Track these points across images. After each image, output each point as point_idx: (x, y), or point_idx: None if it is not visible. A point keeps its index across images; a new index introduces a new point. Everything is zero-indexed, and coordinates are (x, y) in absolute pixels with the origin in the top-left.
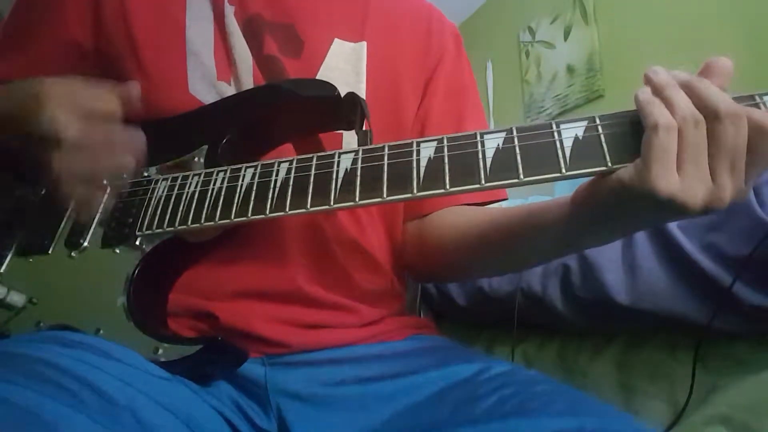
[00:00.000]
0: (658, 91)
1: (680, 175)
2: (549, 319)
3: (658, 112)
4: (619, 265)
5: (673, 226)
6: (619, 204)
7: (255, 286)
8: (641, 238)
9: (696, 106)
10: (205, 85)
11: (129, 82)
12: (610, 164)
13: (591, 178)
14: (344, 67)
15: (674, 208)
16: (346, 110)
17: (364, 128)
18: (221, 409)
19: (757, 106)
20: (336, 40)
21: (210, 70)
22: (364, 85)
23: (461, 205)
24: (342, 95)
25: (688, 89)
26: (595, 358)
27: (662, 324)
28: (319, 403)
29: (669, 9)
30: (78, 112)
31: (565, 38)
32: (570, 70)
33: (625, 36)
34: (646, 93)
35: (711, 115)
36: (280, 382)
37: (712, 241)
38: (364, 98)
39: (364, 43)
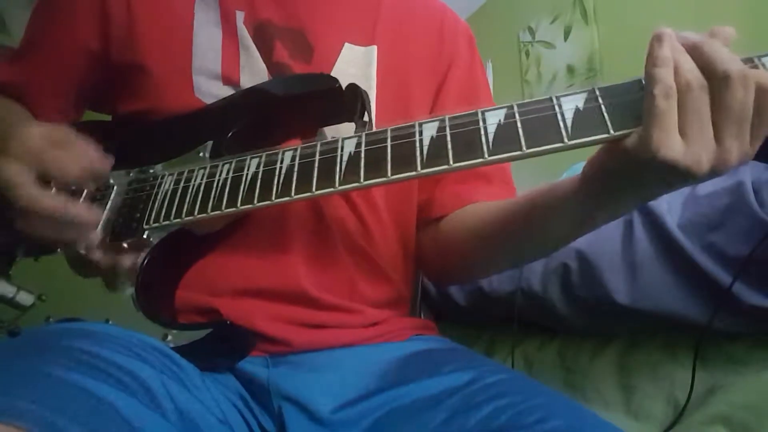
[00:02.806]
0: (670, 54)
1: (683, 139)
2: (549, 319)
3: (659, 77)
4: (619, 265)
5: (673, 226)
6: (626, 172)
7: (259, 284)
8: (641, 238)
9: (703, 69)
10: (211, 89)
11: (104, 160)
12: (612, 131)
13: (599, 149)
14: (354, 71)
15: (679, 173)
16: (348, 102)
17: (365, 119)
18: (234, 401)
19: (756, 67)
20: (346, 44)
21: (216, 75)
22: (374, 91)
23: (473, 203)
24: (343, 87)
25: (696, 51)
26: (595, 358)
27: (662, 324)
28: (319, 422)
29: (669, 9)
30: (37, 175)
31: (565, 38)
32: (570, 70)
33: (625, 36)
34: (657, 53)
35: (719, 78)
36: (282, 385)
37: (712, 241)
38: (374, 102)
39: (375, 47)
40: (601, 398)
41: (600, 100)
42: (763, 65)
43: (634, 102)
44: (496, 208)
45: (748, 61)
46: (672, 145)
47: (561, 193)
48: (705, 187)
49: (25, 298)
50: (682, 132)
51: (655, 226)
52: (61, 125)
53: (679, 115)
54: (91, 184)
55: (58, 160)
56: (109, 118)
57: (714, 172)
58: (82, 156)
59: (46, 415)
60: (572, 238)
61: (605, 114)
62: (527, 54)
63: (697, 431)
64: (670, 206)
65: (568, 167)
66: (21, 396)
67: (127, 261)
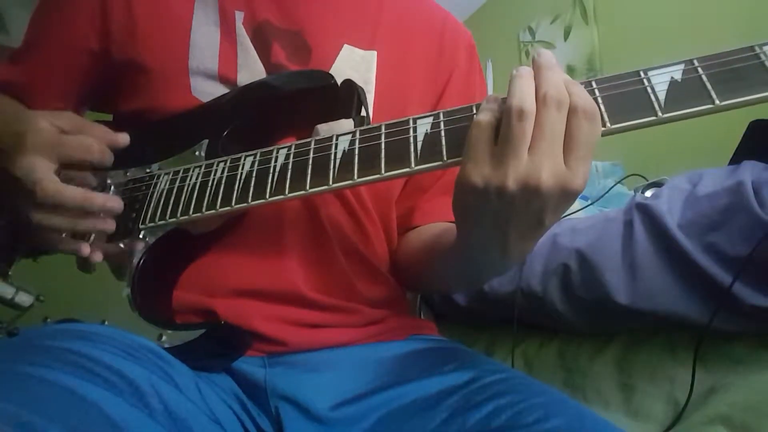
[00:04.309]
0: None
1: (493, 161)
2: (549, 319)
3: (481, 108)
4: (619, 265)
5: (673, 226)
6: (466, 202)
7: (255, 285)
8: (641, 238)
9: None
10: (208, 89)
11: (119, 134)
12: (609, 125)
13: None
14: (352, 73)
15: (492, 194)
16: (344, 98)
17: (362, 114)
18: (229, 402)
19: (593, 91)
20: (345, 46)
21: (213, 75)
22: (372, 96)
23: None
24: (339, 83)
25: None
26: (595, 358)
27: (662, 324)
28: (317, 421)
29: (669, 9)
30: (60, 162)
31: (565, 38)
32: (570, 70)
33: (625, 36)
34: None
35: (539, 102)
36: (279, 385)
37: (712, 241)
38: (371, 108)
39: (375, 53)
40: (601, 398)
41: (597, 93)
42: (765, 54)
43: (632, 93)
44: (430, 232)
45: (587, 84)
46: (481, 171)
47: (449, 238)
48: (705, 187)
49: (24, 299)
50: (495, 156)
51: (655, 226)
52: (63, 111)
53: (497, 139)
54: (92, 180)
55: (78, 144)
56: (109, 117)
57: (527, 189)
58: (99, 135)
59: (23, 415)
60: (469, 278)
61: (602, 106)
62: (527, 54)
63: (697, 431)
64: (670, 206)
65: None
66: None
67: (123, 261)
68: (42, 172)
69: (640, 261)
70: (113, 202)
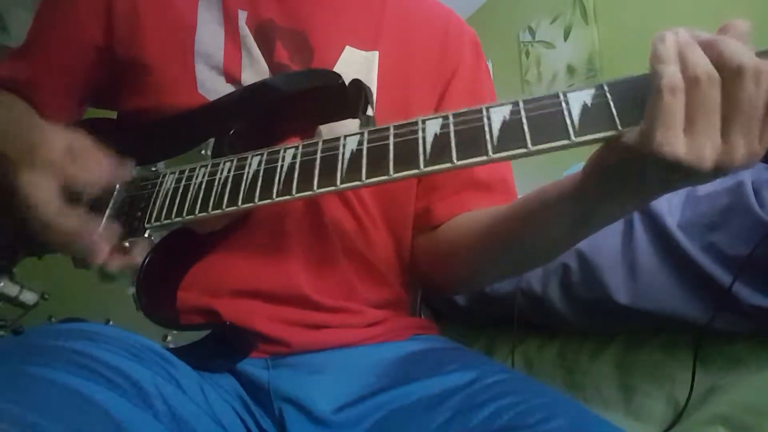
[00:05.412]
0: (674, 50)
1: (687, 135)
2: (549, 319)
3: (666, 72)
4: (619, 265)
5: (673, 226)
6: (627, 170)
7: (258, 286)
8: (641, 238)
9: (715, 63)
10: (214, 87)
11: (124, 169)
12: (620, 128)
13: (601, 145)
14: (354, 74)
15: (681, 171)
16: (352, 98)
17: (369, 113)
18: (232, 403)
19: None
20: (347, 47)
21: (219, 73)
22: (374, 96)
23: (472, 211)
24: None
25: (708, 45)
26: (595, 358)
27: (662, 324)
28: (320, 423)
29: (669, 9)
30: (63, 184)
31: (565, 38)
32: (570, 70)
33: (625, 36)
34: (660, 49)
35: (732, 71)
36: (283, 387)
37: (712, 241)
38: (374, 107)
39: (377, 53)
40: (601, 398)
41: (608, 96)
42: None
43: (642, 98)
44: (495, 212)
45: (765, 54)
46: (675, 142)
47: (558, 191)
48: (705, 187)
49: (29, 297)
50: (687, 128)
51: (655, 226)
52: (78, 133)
53: (685, 111)
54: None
55: (84, 172)
56: (111, 114)
57: (718, 170)
58: (105, 166)
59: (26, 415)
60: (568, 241)
61: (613, 110)
62: (527, 54)
63: (697, 431)
64: (670, 206)
65: (570, 166)
66: (1, 397)
67: (128, 260)
68: (44, 194)
69: (640, 261)
70: (101, 244)
